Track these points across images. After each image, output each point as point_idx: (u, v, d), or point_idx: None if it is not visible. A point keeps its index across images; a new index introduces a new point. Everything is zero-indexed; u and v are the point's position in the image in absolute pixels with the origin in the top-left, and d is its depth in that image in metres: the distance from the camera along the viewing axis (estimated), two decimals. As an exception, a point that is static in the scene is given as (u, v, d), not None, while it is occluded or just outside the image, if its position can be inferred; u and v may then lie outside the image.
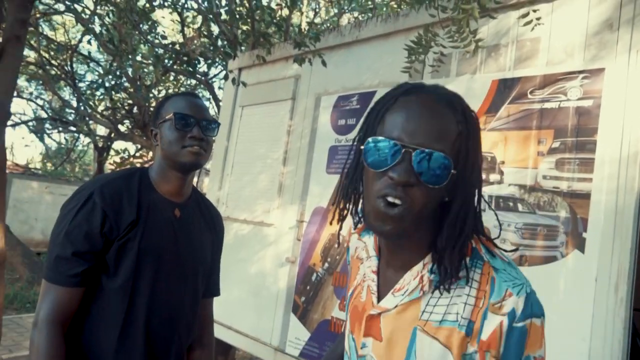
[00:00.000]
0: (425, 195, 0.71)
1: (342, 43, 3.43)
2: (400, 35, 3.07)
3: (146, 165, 1.48)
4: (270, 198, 3.74)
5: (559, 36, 2.33)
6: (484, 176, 2.50)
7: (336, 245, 2.71)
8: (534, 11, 1.77)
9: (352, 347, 0.86)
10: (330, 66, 3.33)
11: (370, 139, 0.74)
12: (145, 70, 7.24)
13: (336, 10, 8.61)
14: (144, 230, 1.26)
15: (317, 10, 8.42)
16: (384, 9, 8.42)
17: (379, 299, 0.82)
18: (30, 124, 10.55)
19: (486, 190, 2.51)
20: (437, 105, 0.74)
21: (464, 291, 0.75)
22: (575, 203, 2.21)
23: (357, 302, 0.87)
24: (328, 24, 7.62)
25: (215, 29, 5.87)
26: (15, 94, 9.97)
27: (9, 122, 9.02)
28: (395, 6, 8.70)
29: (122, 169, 1.42)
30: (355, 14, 8.57)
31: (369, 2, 8.42)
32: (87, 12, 6.85)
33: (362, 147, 0.75)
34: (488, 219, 2.53)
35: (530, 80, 2.44)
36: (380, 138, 0.73)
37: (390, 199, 0.71)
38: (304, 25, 7.90)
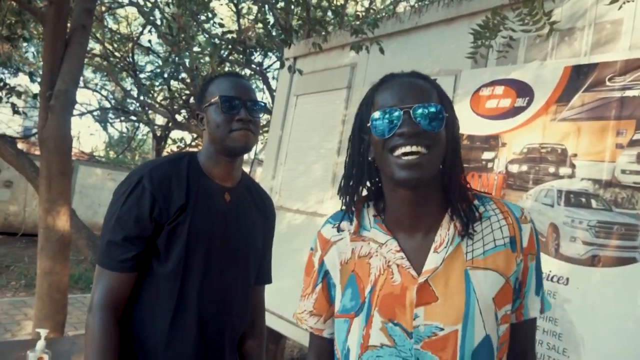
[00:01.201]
0: (433, 142, 0.84)
1: (400, 30, 3.32)
2: (463, 20, 2.92)
3: (195, 150, 1.47)
4: (324, 188, 3.70)
5: (644, 17, 2.12)
6: (552, 170, 2.35)
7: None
8: (623, -13, 1.60)
9: (396, 332, 0.87)
10: (388, 54, 3.23)
11: (373, 115, 0.87)
12: (202, 60, 7.37)
13: (392, -1, 8.41)
14: (193, 214, 1.24)
15: (373, -1, 8.25)
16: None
17: (416, 268, 0.88)
18: (95, 113, 11.08)
19: (555, 184, 2.35)
20: (413, 78, 0.91)
21: (491, 221, 0.90)
22: (658, 201, 2.01)
23: (388, 289, 0.90)
24: (384, 13, 7.47)
25: (270, 18, 5.88)
26: (82, 84, 10.48)
27: (77, 112, 9.50)
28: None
29: (172, 153, 1.42)
30: (412, 1, 8.34)
31: (427, -11, 8.16)
32: (149, 4, 7.06)
33: (368, 124, 0.88)
34: (556, 215, 2.37)
35: (609, 66, 2.24)
36: (379, 112, 0.86)
37: (407, 150, 0.83)
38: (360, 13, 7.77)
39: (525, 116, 2.53)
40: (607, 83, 2.24)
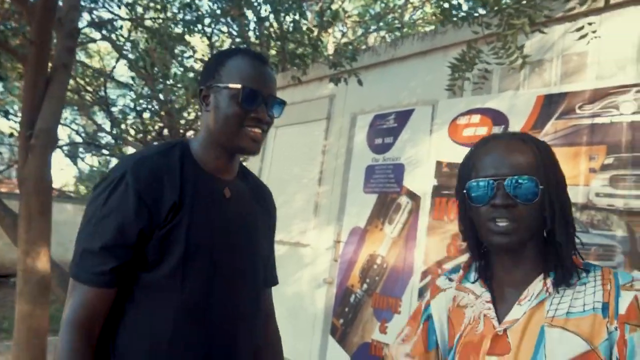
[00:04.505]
0: (526, 212, 0.88)
1: (377, 62, 3.42)
2: (438, 53, 3.04)
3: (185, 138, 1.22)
4: (306, 218, 3.71)
5: (609, 49, 2.26)
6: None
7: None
8: (590, 24, 1.72)
9: None
10: (366, 85, 3.31)
11: (469, 183, 0.93)
12: (177, 93, 7.38)
13: (363, 30, 8.66)
14: (191, 214, 1.04)
15: (344, 31, 8.49)
16: (411, 28, 8.44)
17: (500, 318, 0.92)
18: (65, 148, 10.86)
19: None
20: (513, 143, 0.92)
21: (587, 286, 0.87)
22: (633, 221, 2.11)
23: (470, 337, 0.93)
24: (355, 44, 7.67)
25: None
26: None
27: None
28: (422, 26, 8.73)
29: (160, 143, 1.23)
30: (382, 33, 8.61)
31: (396, 22, 8.45)
32: (122, 39, 7.06)
33: (464, 191, 0.94)
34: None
35: (578, 95, 2.37)
36: (475, 180, 0.92)
37: (498, 221, 0.88)
38: (330, 45, 7.96)
39: (502, 143, 2.63)
40: (577, 111, 2.36)
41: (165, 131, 8.84)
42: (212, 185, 1.12)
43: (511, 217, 0.87)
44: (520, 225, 0.87)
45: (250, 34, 5.68)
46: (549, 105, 2.47)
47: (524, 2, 1.98)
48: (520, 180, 0.87)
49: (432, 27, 8.56)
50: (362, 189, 3.36)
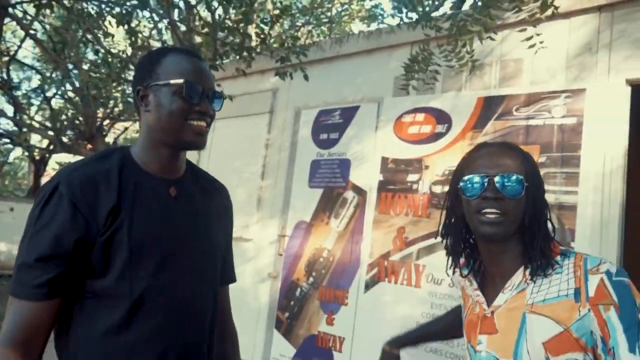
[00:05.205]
0: (512, 206, 1.00)
1: (322, 58, 3.46)
2: (383, 52, 3.14)
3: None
4: (249, 212, 3.67)
5: (541, 58, 2.48)
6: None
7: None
8: (538, 35, 1.88)
9: (471, 352, 1.10)
10: (311, 80, 3.33)
11: (464, 179, 1.04)
12: (101, 78, 6.88)
13: (290, 23, 8.65)
14: (132, 216, 1.03)
15: (270, 21, 8.40)
16: (339, 24, 8.60)
17: (489, 303, 1.06)
18: (-45, 135, 9.71)
19: (473, 202, 2.60)
20: (502, 149, 1.07)
21: (562, 274, 0.99)
22: (562, 214, 2.35)
23: (471, 317, 1.11)
24: (283, 37, 7.63)
25: (166, 37, 5.67)
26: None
27: None
28: (347, 22, 8.92)
29: (99, 151, 1.15)
30: (310, 27, 8.66)
31: (323, 17, 8.54)
32: (28, 17, 6.43)
33: (458, 185, 1.05)
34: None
35: (515, 98, 2.58)
36: (469, 176, 1.04)
37: (487, 210, 1.00)
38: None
39: (445, 141, 2.79)
40: (514, 113, 2.57)
41: (80, 119, 8.24)
42: (156, 185, 1.11)
43: (499, 208, 0.99)
44: (506, 218, 0.99)
45: (177, 19, 5.42)
46: (489, 106, 2.66)
47: (477, 10, 2.12)
48: (508, 178, 1.00)
49: (362, 24, 8.79)
50: (307, 184, 3.39)
